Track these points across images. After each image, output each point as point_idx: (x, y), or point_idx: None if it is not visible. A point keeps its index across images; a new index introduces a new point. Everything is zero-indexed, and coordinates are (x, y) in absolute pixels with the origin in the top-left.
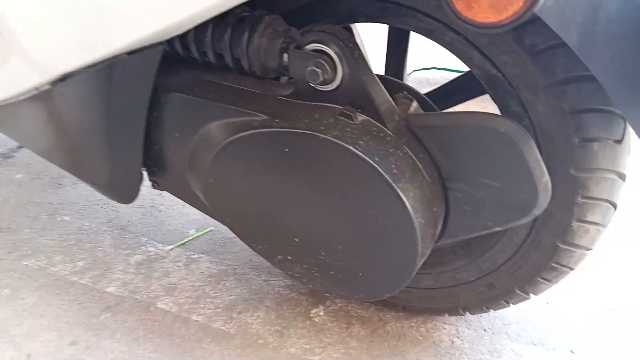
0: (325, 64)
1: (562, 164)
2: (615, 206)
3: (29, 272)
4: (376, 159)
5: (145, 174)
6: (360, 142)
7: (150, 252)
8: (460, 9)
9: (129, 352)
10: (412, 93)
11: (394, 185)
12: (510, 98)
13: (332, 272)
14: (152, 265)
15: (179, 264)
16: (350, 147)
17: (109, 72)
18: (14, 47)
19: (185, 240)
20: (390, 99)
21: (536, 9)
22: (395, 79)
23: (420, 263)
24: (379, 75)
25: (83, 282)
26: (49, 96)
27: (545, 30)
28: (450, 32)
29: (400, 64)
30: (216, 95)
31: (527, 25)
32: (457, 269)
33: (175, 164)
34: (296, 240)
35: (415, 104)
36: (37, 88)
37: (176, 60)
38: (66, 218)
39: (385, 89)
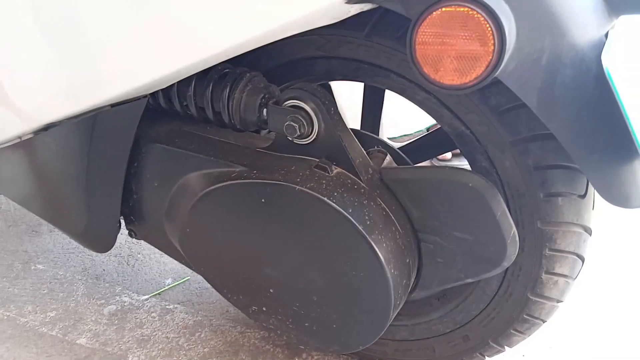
0: (302, 119)
1: (529, 217)
2: (582, 259)
3: None
4: (350, 210)
5: (122, 222)
6: (335, 194)
7: (125, 302)
8: (428, 72)
9: None
10: (386, 147)
11: (367, 236)
12: (479, 154)
13: (306, 324)
14: (126, 316)
15: (153, 314)
16: (325, 199)
17: (91, 122)
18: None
19: (161, 290)
20: (365, 152)
21: (497, 73)
22: (370, 134)
23: (393, 314)
24: (354, 130)
25: (53, 333)
26: (31, 145)
27: (508, 91)
28: (422, 92)
29: (376, 119)
30: (196, 147)
31: (492, 87)
32: (433, 320)
33: (153, 213)
34: (271, 291)
35: (388, 158)
36: (19, 137)
37: (158, 111)
38: (40, 267)
39: (360, 143)
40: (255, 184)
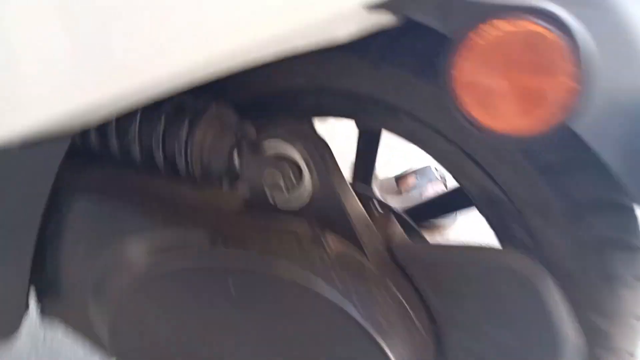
0: (290, 172)
1: (579, 308)
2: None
3: None
4: (356, 305)
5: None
6: (335, 280)
7: None
8: (477, 115)
9: None
10: (384, 207)
11: (380, 341)
12: (513, 222)
13: None
14: None
15: None
16: (322, 286)
17: None
18: None
19: None
20: (369, 218)
21: (574, 118)
22: (366, 190)
23: None
24: None
25: None
26: None
27: (563, 141)
28: (442, 140)
29: (369, 168)
30: (138, 203)
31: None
32: None
33: (75, 288)
34: None
35: (398, 229)
36: None
37: (88, 154)
38: None
39: None
40: (220, 260)
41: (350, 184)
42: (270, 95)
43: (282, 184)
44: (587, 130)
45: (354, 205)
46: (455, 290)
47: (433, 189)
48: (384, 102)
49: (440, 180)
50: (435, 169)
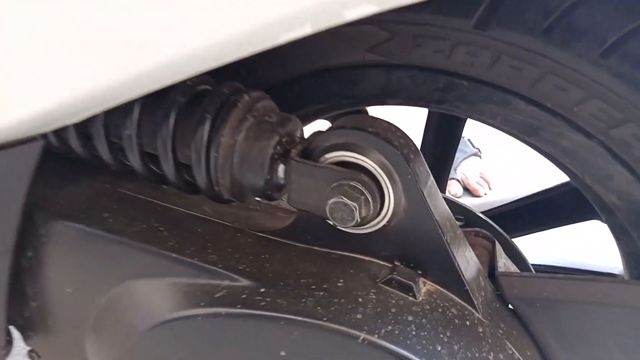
0: (364, 190)
1: None
2: None
3: None
4: None
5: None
6: (429, 345)
7: None
8: None
9: None
10: (474, 219)
11: None
12: None
13: None
14: None
15: None
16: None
17: None
18: None
19: None
20: (472, 251)
21: None
22: (451, 198)
23: None
24: None
25: None
26: None
27: None
28: (577, 134)
29: (446, 169)
30: (142, 231)
31: None
32: None
33: (67, 326)
34: None
35: (504, 259)
36: None
37: (67, 163)
38: None
39: None
40: (265, 319)
41: None
42: (312, 75)
43: (356, 212)
44: None
45: (455, 232)
46: (587, 338)
47: (470, 167)
48: (489, 82)
49: (476, 155)
50: (469, 140)
